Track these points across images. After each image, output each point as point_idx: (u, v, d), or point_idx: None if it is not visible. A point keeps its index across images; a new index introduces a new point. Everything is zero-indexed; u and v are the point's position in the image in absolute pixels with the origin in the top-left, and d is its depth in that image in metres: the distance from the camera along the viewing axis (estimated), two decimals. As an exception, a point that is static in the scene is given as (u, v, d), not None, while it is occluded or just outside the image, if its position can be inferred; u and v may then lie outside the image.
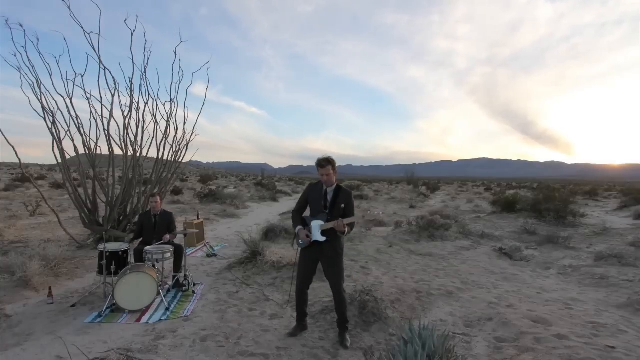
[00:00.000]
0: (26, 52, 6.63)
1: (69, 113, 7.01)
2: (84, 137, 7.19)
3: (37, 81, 6.68)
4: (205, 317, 3.88)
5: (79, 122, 7.11)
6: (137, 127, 7.61)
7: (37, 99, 6.67)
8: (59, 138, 6.90)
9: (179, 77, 8.03)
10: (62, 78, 6.88)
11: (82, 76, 6.98)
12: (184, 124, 8.39)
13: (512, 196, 14.75)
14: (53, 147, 6.84)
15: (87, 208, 7.11)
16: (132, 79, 7.43)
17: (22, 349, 3.16)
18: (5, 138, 6.06)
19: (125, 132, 7.39)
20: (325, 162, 3.21)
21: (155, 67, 8.15)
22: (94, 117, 7.13)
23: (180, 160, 8.44)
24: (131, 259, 4.58)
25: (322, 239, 3.25)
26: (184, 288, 4.60)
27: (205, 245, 7.51)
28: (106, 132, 7.23)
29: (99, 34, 6.81)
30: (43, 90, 6.73)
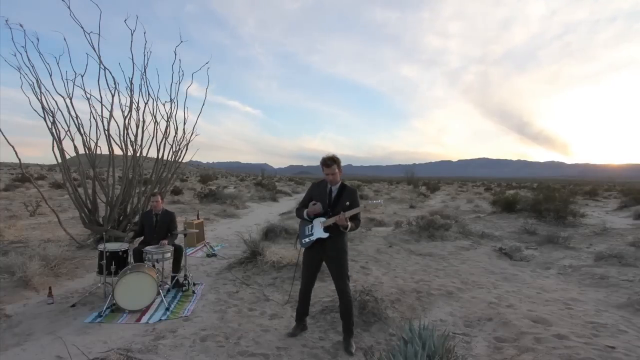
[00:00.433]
0: (26, 52, 6.64)
1: (69, 113, 7.03)
2: (84, 137, 7.20)
3: (37, 81, 6.69)
4: (205, 317, 3.88)
5: (79, 122, 7.12)
6: (137, 127, 7.62)
7: (37, 99, 6.68)
8: (59, 138, 6.90)
9: (179, 77, 8.04)
10: (62, 78, 6.89)
11: (82, 76, 7.00)
12: (184, 124, 8.42)
13: (512, 196, 14.75)
14: (53, 147, 6.85)
15: (87, 208, 7.12)
16: (132, 79, 7.44)
17: (22, 349, 3.16)
18: (5, 138, 6.06)
19: (125, 132, 7.39)
20: (331, 162, 3.19)
21: (155, 67, 8.16)
22: (94, 117, 7.14)
23: (180, 160, 8.44)
24: (131, 259, 4.59)
25: (325, 235, 3.20)
26: (184, 288, 4.60)
27: (205, 245, 7.51)
28: (106, 132, 7.24)
29: (99, 34, 6.82)
30: (43, 90, 6.74)
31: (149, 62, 7.54)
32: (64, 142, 6.96)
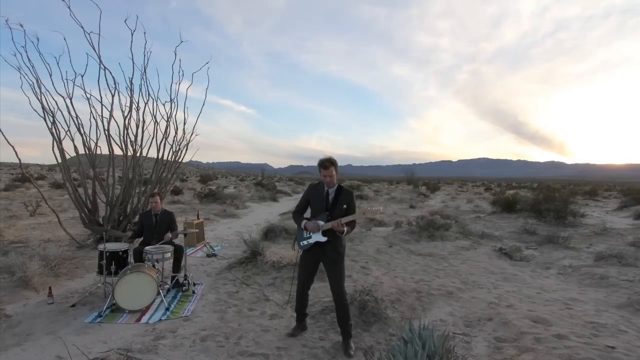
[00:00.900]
0: (26, 52, 6.64)
1: (69, 113, 7.03)
2: (84, 137, 7.20)
3: (37, 81, 6.68)
4: (205, 317, 3.88)
5: (79, 122, 7.12)
6: (137, 127, 7.62)
7: (37, 99, 6.67)
8: (59, 138, 6.90)
9: (179, 77, 8.05)
10: (62, 78, 6.89)
11: (82, 76, 6.99)
12: (184, 124, 8.42)
13: (512, 196, 14.75)
14: (53, 147, 6.85)
15: (87, 208, 7.12)
16: (132, 79, 7.44)
17: (22, 349, 3.16)
18: (5, 138, 6.07)
19: (125, 132, 7.39)
20: (329, 163, 3.19)
21: (156, 67, 8.16)
22: (94, 117, 7.14)
23: (180, 160, 8.44)
24: (131, 259, 4.59)
25: (323, 239, 3.22)
26: (184, 288, 4.60)
27: (205, 245, 7.50)
28: (106, 132, 7.24)
29: (99, 34, 6.82)
30: (43, 90, 6.74)
31: (149, 62, 7.56)
32: (64, 142, 6.97)
